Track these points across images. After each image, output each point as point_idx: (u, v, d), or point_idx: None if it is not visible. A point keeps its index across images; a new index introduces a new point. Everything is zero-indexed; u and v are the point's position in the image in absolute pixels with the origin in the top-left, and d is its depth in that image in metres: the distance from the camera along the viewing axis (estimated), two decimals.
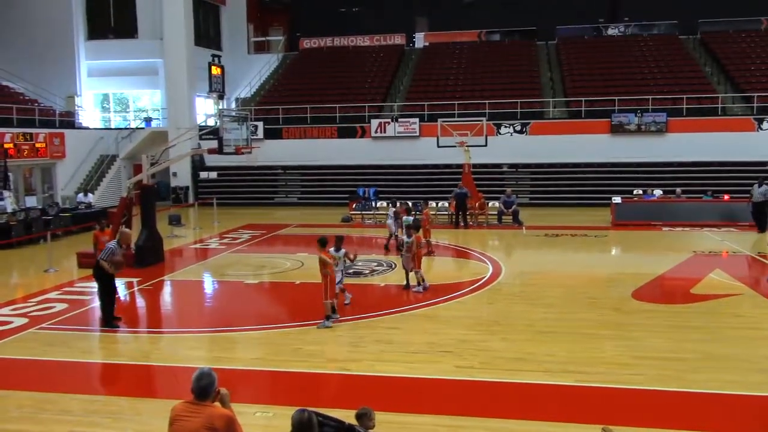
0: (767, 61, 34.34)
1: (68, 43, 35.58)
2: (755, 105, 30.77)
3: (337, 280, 12.01)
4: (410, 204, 24.44)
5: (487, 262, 17.45)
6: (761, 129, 29.82)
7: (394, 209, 20.05)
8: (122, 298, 14.56)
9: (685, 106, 31.06)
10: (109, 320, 12.02)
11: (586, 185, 29.82)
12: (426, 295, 13.70)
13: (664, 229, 22.83)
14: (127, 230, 12.97)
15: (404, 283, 14.35)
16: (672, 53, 36.90)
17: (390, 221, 19.44)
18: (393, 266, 16.80)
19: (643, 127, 30.59)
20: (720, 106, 31.32)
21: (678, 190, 25.65)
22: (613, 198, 24.93)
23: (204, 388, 4.99)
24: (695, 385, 8.78)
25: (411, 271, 14.23)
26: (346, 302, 12.73)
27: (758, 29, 37.72)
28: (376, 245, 19.75)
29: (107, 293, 12.15)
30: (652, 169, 29.59)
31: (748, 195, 22.46)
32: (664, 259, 17.35)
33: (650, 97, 31.60)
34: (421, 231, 15.92)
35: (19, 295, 14.42)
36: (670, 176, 28.70)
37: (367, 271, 16.52)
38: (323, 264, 11.52)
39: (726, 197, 24.82)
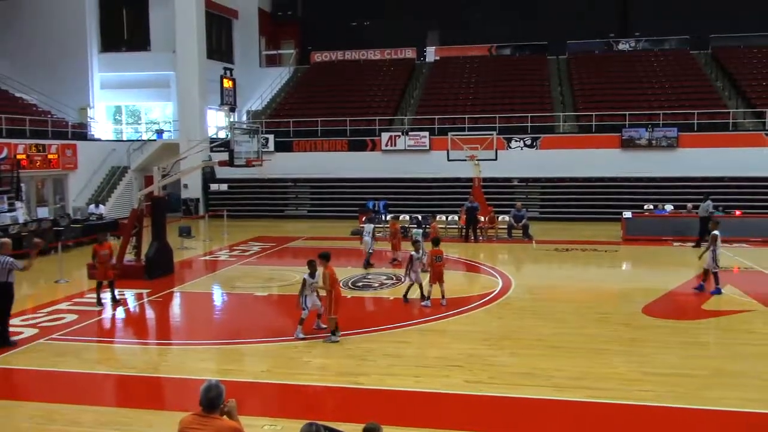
0: None
1: (81, 55, 35.96)
2: (767, 120, 30.63)
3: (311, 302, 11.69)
4: (420, 218, 24.52)
5: (497, 276, 17.39)
6: None
7: (373, 226, 19.75)
8: (132, 309, 14.63)
9: (696, 121, 30.96)
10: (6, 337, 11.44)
11: (596, 200, 29.72)
12: (435, 309, 13.64)
13: (674, 244, 22.70)
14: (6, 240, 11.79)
15: (417, 295, 14.25)
16: (683, 68, 36.86)
17: (367, 238, 18.94)
18: (402, 280, 16.76)
19: (654, 142, 30.50)
20: (731, 121, 31.23)
21: (689, 205, 25.51)
22: (623, 213, 24.82)
23: (212, 400, 5.01)
24: (706, 402, 8.69)
25: (414, 283, 14.20)
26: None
27: None
28: (385, 258, 19.72)
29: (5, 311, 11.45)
30: (663, 184, 29.47)
31: (697, 211, 22.95)
32: (675, 275, 17.25)
33: (661, 112, 31.54)
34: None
35: (30, 306, 14.46)
36: (681, 191, 28.55)
37: (376, 285, 16.50)
38: (331, 280, 11.36)
39: (738, 213, 24.69)
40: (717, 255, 14.95)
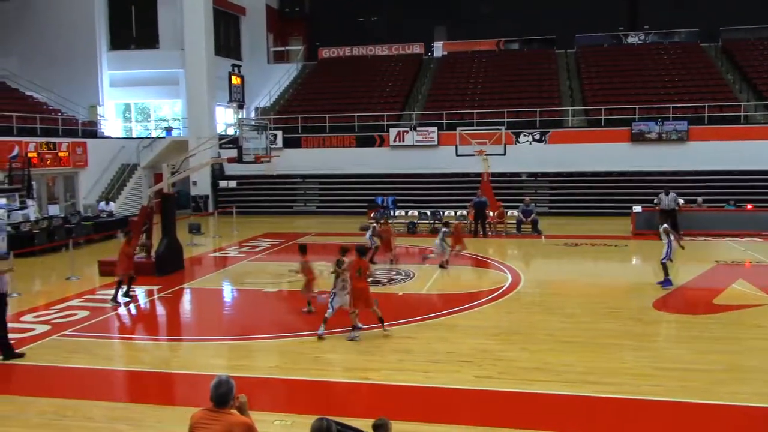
0: None
1: (91, 53, 36.10)
2: None
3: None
4: (429, 213, 24.45)
5: (506, 271, 17.36)
6: None
7: (374, 225, 19.50)
8: (142, 305, 14.70)
9: (706, 114, 30.76)
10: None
11: (606, 194, 29.60)
12: (445, 304, 13.63)
13: (685, 238, 22.52)
14: None
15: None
16: (693, 61, 36.60)
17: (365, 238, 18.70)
18: (411, 275, 16.80)
19: (663, 135, 30.32)
20: (742, 114, 30.98)
21: (699, 199, 25.40)
22: (633, 207, 24.70)
23: (223, 395, 5.02)
24: (718, 396, 8.64)
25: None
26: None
27: None
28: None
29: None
30: (673, 177, 29.24)
31: (654, 205, 23.19)
32: (686, 269, 17.13)
33: (671, 105, 31.34)
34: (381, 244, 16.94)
35: (42, 303, 14.57)
36: (692, 185, 28.35)
37: (386, 280, 16.49)
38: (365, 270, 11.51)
39: (749, 206, 24.54)
40: (672, 248, 15.03)
